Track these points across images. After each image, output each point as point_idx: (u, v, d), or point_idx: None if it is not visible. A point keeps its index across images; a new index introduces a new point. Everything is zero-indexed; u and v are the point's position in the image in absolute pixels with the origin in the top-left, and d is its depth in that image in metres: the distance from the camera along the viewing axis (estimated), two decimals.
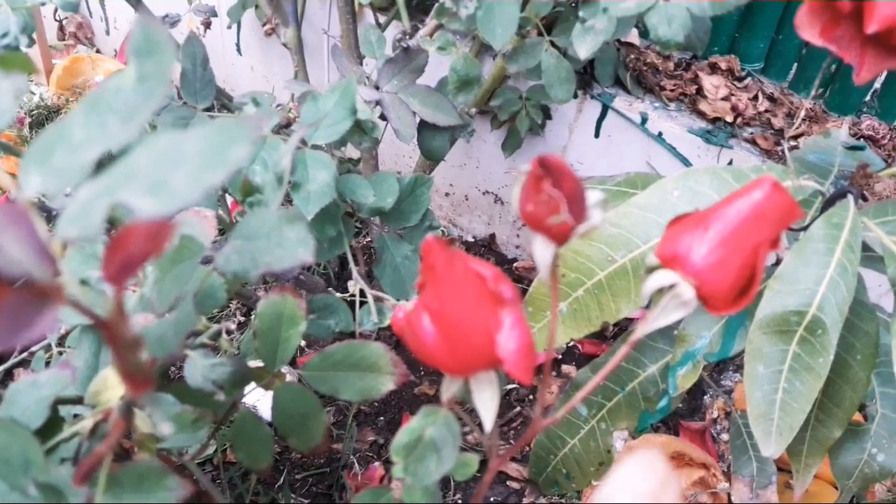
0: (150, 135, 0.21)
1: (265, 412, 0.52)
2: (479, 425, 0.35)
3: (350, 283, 0.80)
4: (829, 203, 0.64)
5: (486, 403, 0.30)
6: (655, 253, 0.32)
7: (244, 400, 0.51)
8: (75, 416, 0.45)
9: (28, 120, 1.66)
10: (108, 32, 1.96)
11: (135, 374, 0.19)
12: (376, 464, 1.07)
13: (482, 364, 0.29)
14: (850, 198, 0.62)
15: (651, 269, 0.33)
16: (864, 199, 0.72)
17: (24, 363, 0.97)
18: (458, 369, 0.30)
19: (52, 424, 0.40)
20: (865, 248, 0.61)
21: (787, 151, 0.75)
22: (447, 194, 1.49)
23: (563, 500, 1.02)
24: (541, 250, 0.28)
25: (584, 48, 0.67)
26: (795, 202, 0.32)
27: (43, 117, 1.71)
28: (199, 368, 0.40)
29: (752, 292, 0.32)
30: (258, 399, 0.99)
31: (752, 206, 0.31)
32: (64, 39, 2.00)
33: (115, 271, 0.17)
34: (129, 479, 0.30)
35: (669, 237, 0.33)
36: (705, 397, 1.17)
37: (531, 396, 1.19)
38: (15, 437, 0.31)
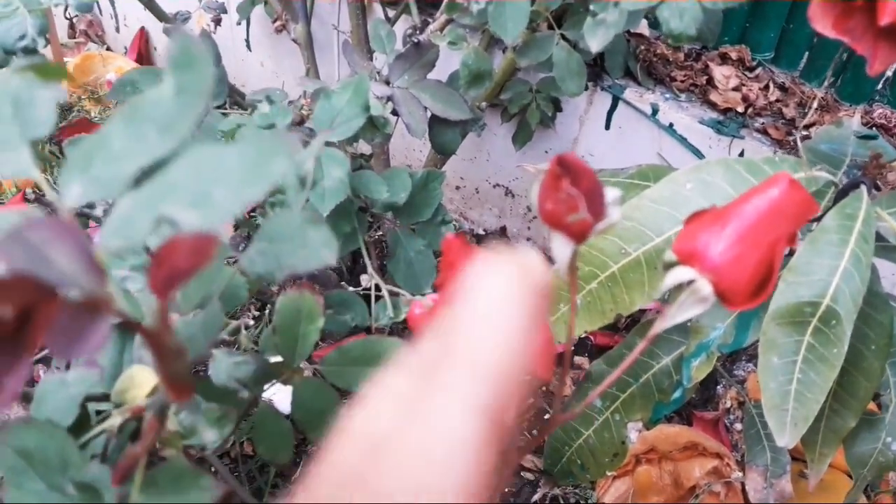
0: (190, 147, 0.21)
1: (282, 406, 0.53)
2: None
3: (363, 278, 0.80)
4: (842, 194, 0.64)
5: None
6: (673, 249, 0.33)
7: (262, 394, 0.52)
8: (98, 412, 0.46)
9: None
10: (118, 30, 1.97)
11: (178, 381, 0.20)
12: None
13: None
14: (864, 188, 0.62)
15: (669, 266, 0.33)
16: (878, 188, 0.72)
17: (44, 360, 0.99)
18: None
19: (81, 422, 0.41)
20: (879, 238, 0.61)
21: (799, 142, 0.75)
22: (458, 188, 1.49)
23: (577, 491, 1.03)
24: (560, 248, 0.28)
25: (595, 41, 0.67)
26: (812, 198, 0.33)
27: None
28: (224, 367, 0.41)
29: (770, 288, 0.32)
30: (274, 393, 1.00)
31: (769, 202, 0.32)
32: (75, 37, 2.01)
33: (162, 283, 0.18)
34: (165, 479, 0.31)
35: (687, 234, 0.33)
36: (718, 387, 1.17)
37: (544, 388, 1.20)
38: (52, 437, 0.32)
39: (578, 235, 0.28)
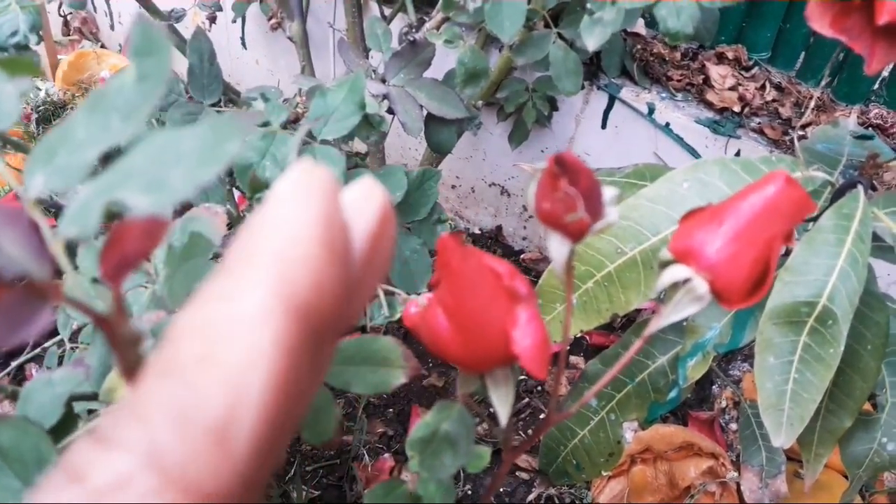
0: (149, 133, 0.21)
1: None
2: (490, 417, 0.36)
3: None
4: (838, 193, 0.63)
5: (502, 398, 0.31)
6: (669, 248, 0.33)
7: None
8: (90, 411, 0.45)
9: (34, 116, 1.67)
10: (112, 27, 1.96)
11: (136, 371, 0.19)
12: (386, 455, 1.08)
13: (498, 360, 0.29)
14: (860, 188, 0.61)
15: (664, 264, 0.33)
16: (874, 188, 0.72)
17: (36, 359, 0.98)
18: (475, 365, 0.30)
19: (66, 422, 0.41)
20: (875, 238, 0.61)
21: (795, 142, 0.75)
22: (454, 186, 1.49)
23: (572, 491, 1.02)
24: (557, 248, 0.28)
25: (592, 40, 0.67)
26: (808, 196, 0.32)
27: (49, 113, 1.71)
28: None
29: (766, 286, 0.32)
30: None
31: (765, 200, 0.32)
32: (69, 35, 2.00)
33: (112, 269, 0.18)
34: None
35: (683, 232, 0.33)
36: (714, 387, 1.17)
37: (539, 388, 1.20)
38: (27, 435, 0.31)
39: (576, 235, 0.28)
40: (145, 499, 0.12)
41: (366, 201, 0.18)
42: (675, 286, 0.32)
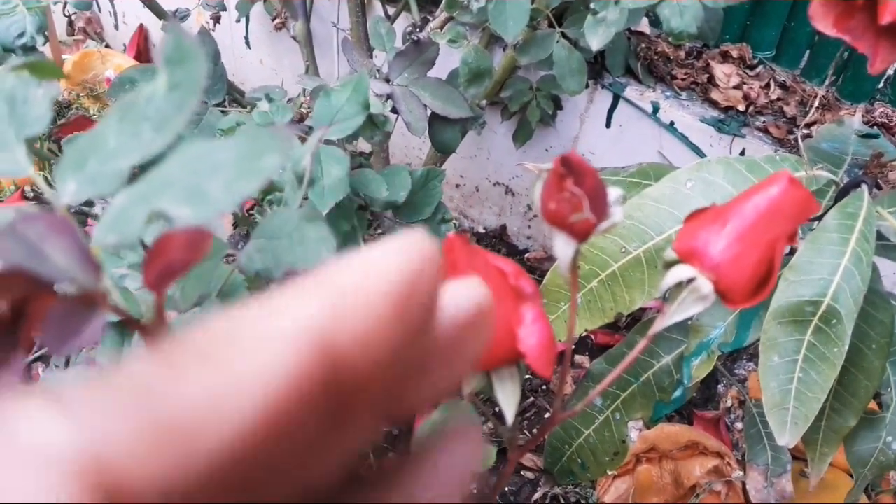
0: (184, 143, 0.21)
1: None
2: (495, 416, 0.36)
3: None
4: (843, 193, 0.64)
5: (508, 397, 0.31)
6: (673, 248, 0.33)
7: None
8: None
9: None
10: (116, 27, 1.97)
11: None
12: (391, 455, 1.08)
13: (504, 358, 0.30)
14: (865, 187, 0.62)
15: (669, 264, 0.33)
16: (879, 187, 0.72)
17: (42, 359, 0.99)
18: (481, 364, 0.30)
19: None
20: (880, 237, 0.61)
21: (800, 140, 0.75)
22: (458, 186, 1.49)
23: (577, 490, 1.03)
24: (562, 247, 0.28)
25: (596, 40, 0.67)
26: (812, 197, 0.32)
27: (54, 113, 1.72)
28: None
29: (770, 286, 0.32)
30: None
31: (769, 201, 0.32)
32: (73, 35, 2.00)
33: (156, 278, 0.18)
34: None
35: (687, 232, 0.33)
36: (719, 386, 1.17)
37: (544, 387, 1.20)
38: None
39: (581, 235, 0.28)
40: (57, 478, 0.10)
41: (470, 296, 0.16)
42: (680, 286, 0.32)
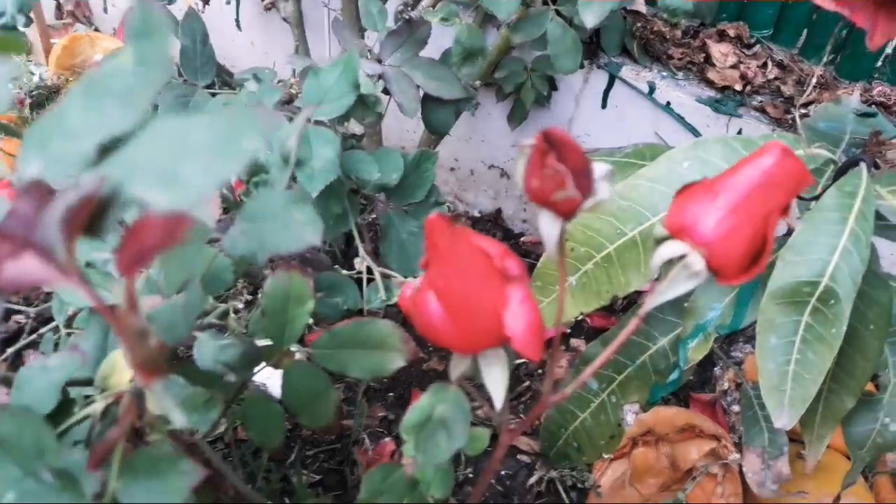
0: (153, 121, 0.20)
1: (275, 390, 0.52)
2: (489, 400, 0.35)
3: (356, 261, 0.79)
4: (841, 172, 0.63)
5: (496, 380, 0.30)
6: (664, 224, 0.32)
7: (254, 378, 0.51)
8: (86, 397, 0.45)
9: (28, 101, 1.65)
10: (105, 10, 1.94)
11: (144, 362, 0.19)
12: (387, 439, 1.08)
13: (490, 342, 0.29)
14: (863, 166, 0.61)
15: (660, 241, 0.32)
16: (877, 167, 0.71)
17: (33, 345, 0.98)
18: (466, 347, 0.29)
19: (63, 408, 0.40)
20: (878, 216, 0.60)
21: (798, 119, 0.74)
22: (452, 169, 1.48)
23: (574, 474, 1.02)
24: (547, 226, 0.27)
25: (590, 16, 0.66)
26: (806, 168, 0.31)
27: (43, 97, 1.69)
28: (209, 350, 0.40)
29: (764, 261, 0.31)
30: (267, 377, 1.00)
31: (761, 173, 0.31)
32: (62, 18, 1.98)
33: (128, 262, 0.17)
34: (143, 463, 0.30)
35: (678, 207, 0.32)
36: (716, 369, 1.17)
37: (540, 371, 1.20)
38: (27, 423, 0.31)
39: (566, 213, 0.27)
40: None
41: None
42: (671, 263, 0.31)
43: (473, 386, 0.36)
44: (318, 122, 0.67)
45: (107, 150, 0.20)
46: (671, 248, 0.30)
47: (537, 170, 0.25)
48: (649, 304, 0.30)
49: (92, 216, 0.19)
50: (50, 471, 0.31)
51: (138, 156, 0.19)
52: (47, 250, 0.18)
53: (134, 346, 0.19)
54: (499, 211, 1.47)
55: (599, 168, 0.27)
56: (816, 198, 0.61)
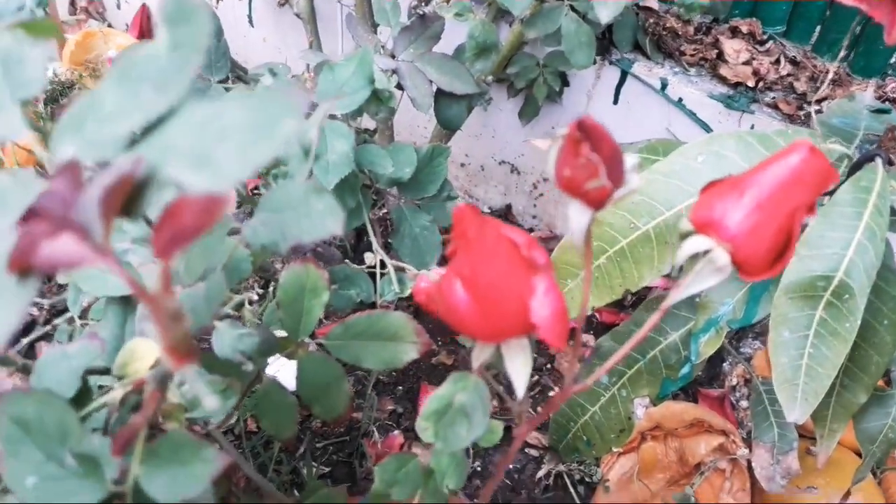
0: (188, 105, 0.20)
1: (285, 383, 0.53)
2: (498, 396, 0.35)
3: (367, 255, 0.80)
4: (856, 167, 0.62)
5: (519, 369, 0.30)
6: (689, 218, 0.32)
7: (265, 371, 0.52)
8: (100, 387, 0.45)
9: (42, 96, 1.66)
10: (118, 6, 1.95)
11: (178, 346, 0.19)
12: (396, 432, 1.09)
13: (515, 330, 0.29)
14: (879, 161, 0.60)
15: (685, 235, 0.32)
16: (891, 163, 0.71)
17: (46, 337, 0.98)
18: (491, 336, 0.29)
19: (82, 395, 0.40)
20: (893, 212, 0.60)
21: (813, 115, 0.74)
22: (463, 165, 1.48)
23: (582, 468, 1.03)
24: (577, 216, 0.28)
25: (605, 12, 0.66)
26: (832, 166, 0.32)
27: (57, 93, 1.70)
28: (227, 339, 0.40)
29: (788, 257, 0.31)
30: (277, 370, 1.00)
31: (788, 170, 0.31)
32: (75, 14, 1.98)
33: (165, 244, 0.17)
34: (166, 450, 0.30)
35: (703, 202, 0.32)
36: (724, 364, 1.17)
37: (549, 365, 1.20)
38: (50, 407, 0.31)
39: (597, 202, 0.27)
40: None
41: None
42: (695, 257, 0.31)
43: (485, 379, 0.36)
44: (332, 117, 0.68)
45: (141, 133, 0.21)
46: (696, 243, 0.30)
47: (570, 158, 0.26)
48: (673, 297, 0.30)
49: (128, 198, 0.19)
50: (73, 455, 0.31)
51: (173, 138, 0.19)
52: (85, 230, 0.18)
53: (168, 329, 0.19)
54: (509, 207, 1.47)
55: (629, 159, 0.28)
56: (830, 193, 0.60)
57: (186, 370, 0.20)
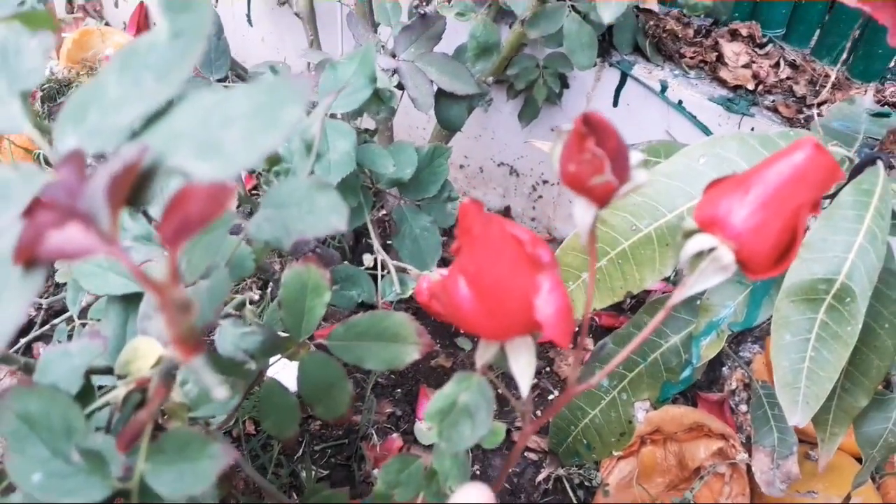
0: (192, 93, 0.20)
1: (285, 384, 0.53)
2: (500, 398, 0.35)
3: (365, 257, 0.79)
4: (857, 170, 0.62)
5: (523, 368, 0.30)
6: (693, 216, 0.32)
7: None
8: (100, 387, 0.45)
9: (39, 94, 1.65)
10: (116, 5, 1.95)
11: (186, 338, 0.19)
12: (394, 435, 1.08)
13: (520, 328, 0.29)
14: (881, 164, 0.60)
15: (689, 234, 0.32)
16: (892, 166, 0.71)
17: (44, 337, 0.98)
18: (496, 334, 0.29)
19: (84, 394, 0.40)
20: (894, 215, 0.60)
21: (815, 117, 0.74)
22: (462, 166, 1.48)
23: (581, 472, 1.02)
24: (581, 213, 0.27)
25: (608, 13, 0.66)
26: (837, 164, 0.31)
27: (54, 91, 1.70)
28: (231, 337, 0.40)
29: (793, 255, 0.31)
30: (277, 371, 1.00)
31: (793, 167, 0.31)
32: (73, 13, 1.98)
33: (173, 233, 0.17)
34: (172, 447, 0.30)
35: (708, 200, 0.32)
36: (724, 368, 1.17)
37: (548, 369, 1.20)
38: (55, 403, 0.31)
39: (602, 198, 0.27)
40: None
41: None
42: (700, 255, 0.31)
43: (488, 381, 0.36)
44: (332, 116, 0.67)
45: (144, 122, 0.20)
46: (701, 241, 0.30)
47: (575, 154, 0.25)
48: (677, 296, 0.30)
49: (134, 187, 0.19)
50: (78, 451, 0.31)
51: (179, 126, 0.19)
52: (92, 219, 0.18)
53: (176, 320, 0.19)
54: (507, 209, 1.47)
55: (634, 156, 0.27)
56: (832, 196, 0.60)
57: (194, 362, 0.20)
